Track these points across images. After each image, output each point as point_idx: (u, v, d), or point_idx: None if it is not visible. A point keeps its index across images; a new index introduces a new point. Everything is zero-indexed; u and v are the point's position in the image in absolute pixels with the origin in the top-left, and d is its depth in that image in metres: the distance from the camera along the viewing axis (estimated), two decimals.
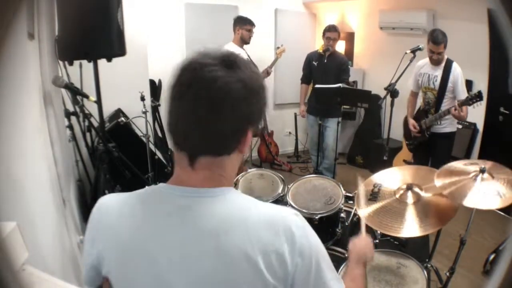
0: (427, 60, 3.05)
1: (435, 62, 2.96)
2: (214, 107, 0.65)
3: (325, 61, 3.93)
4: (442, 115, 2.93)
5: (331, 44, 3.87)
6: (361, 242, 1.12)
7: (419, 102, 3.32)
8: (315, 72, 4.04)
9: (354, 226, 2.11)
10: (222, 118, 0.66)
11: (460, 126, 3.56)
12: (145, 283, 0.69)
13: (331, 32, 3.84)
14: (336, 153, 3.97)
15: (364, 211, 1.63)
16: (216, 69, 0.65)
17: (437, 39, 2.80)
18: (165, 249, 0.69)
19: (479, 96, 2.62)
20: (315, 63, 4.03)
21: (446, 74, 2.91)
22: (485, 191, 1.47)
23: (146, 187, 0.80)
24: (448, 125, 3.06)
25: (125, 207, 0.75)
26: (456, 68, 2.90)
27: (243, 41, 3.85)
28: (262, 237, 0.67)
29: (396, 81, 2.97)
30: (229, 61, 0.67)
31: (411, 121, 3.22)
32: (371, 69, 5.00)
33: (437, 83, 2.98)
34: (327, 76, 3.84)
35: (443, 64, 2.94)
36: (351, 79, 4.11)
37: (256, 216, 0.70)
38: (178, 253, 0.68)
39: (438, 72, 2.97)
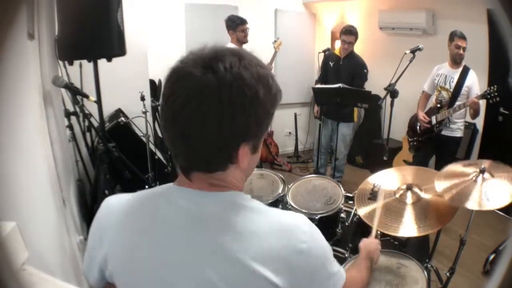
0: (445, 64, 3.13)
1: (458, 60, 3.00)
2: (193, 128, 0.62)
3: (341, 63, 3.86)
4: (457, 109, 2.96)
5: (346, 47, 3.76)
6: (371, 242, 1.25)
7: (428, 103, 3.35)
8: (329, 73, 3.97)
9: (355, 226, 2.11)
10: (203, 138, 0.63)
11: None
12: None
13: (346, 35, 3.73)
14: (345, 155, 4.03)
15: (363, 209, 1.63)
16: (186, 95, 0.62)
17: (462, 33, 2.90)
18: (170, 253, 0.67)
19: (497, 91, 2.67)
20: (331, 64, 3.97)
21: (463, 77, 2.99)
22: (487, 191, 1.45)
23: (154, 187, 0.79)
24: (458, 130, 3.12)
25: (130, 209, 0.74)
26: (473, 74, 2.98)
27: (241, 42, 3.73)
28: (272, 245, 0.65)
29: (396, 81, 2.99)
30: (211, 68, 0.62)
31: (421, 113, 3.24)
32: (370, 69, 4.96)
33: (453, 84, 3.03)
34: (340, 78, 3.70)
35: (460, 69, 3.01)
36: None
37: (266, 222, 0.68)
38: (183, 256, 0.67)
39: (456, 75, 3.03)
